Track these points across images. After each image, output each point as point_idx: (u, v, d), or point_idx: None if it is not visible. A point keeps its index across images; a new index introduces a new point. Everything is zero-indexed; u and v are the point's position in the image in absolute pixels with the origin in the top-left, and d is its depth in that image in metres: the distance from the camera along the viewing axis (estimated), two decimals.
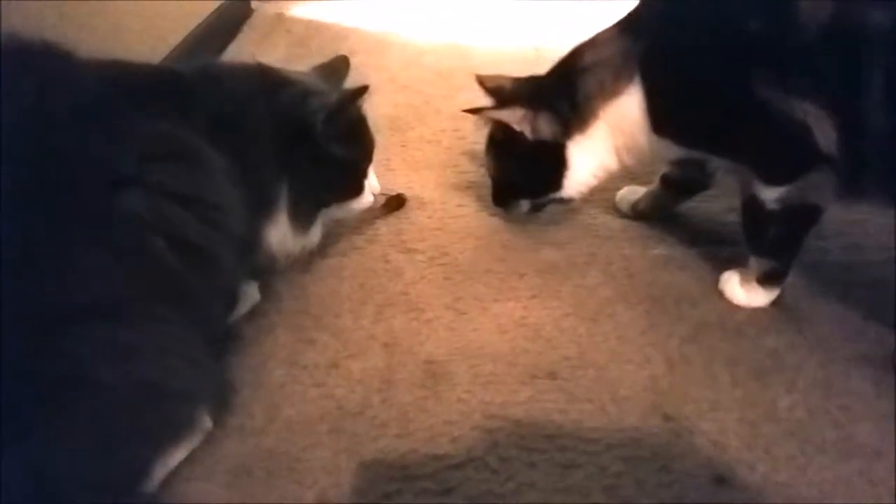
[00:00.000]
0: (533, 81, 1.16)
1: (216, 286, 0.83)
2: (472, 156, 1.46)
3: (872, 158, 0.85)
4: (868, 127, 0.82)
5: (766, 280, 1.03)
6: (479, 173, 1.39)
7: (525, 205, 1.21)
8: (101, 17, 1.39)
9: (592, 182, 1.15)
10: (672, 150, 1.06)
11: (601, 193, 1.31)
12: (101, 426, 0.70)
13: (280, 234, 0.99)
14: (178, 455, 0.81)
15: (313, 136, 0.98)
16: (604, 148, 1.10)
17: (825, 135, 0.87)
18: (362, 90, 1.02)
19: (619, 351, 0.97)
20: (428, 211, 1.30)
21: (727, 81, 0.93)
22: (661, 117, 1.02)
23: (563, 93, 1.09)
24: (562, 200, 1.18)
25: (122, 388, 0.70)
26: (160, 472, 0.79)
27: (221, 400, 0.88)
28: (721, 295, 1.06)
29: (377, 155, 1.46)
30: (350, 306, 1.07)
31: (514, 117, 1.12)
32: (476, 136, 1.51)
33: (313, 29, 2.16)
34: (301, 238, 1.02)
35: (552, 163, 1.12)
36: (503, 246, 1.21)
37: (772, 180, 0.95)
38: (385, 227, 1.25)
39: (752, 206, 0.99)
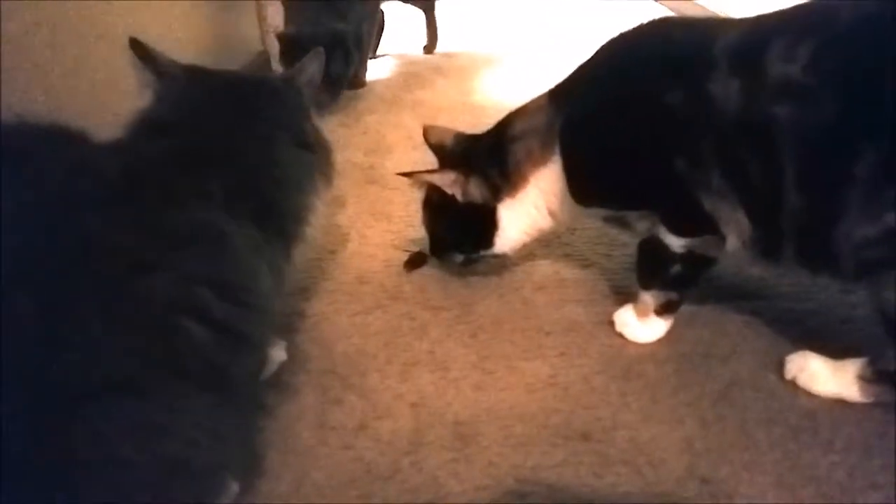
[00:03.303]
0: (470, 142, 1.22)
1: (246, 360, 0.83)
2: None
3: (789, 231, 0.90)
4: (783, 206, 0.87)
5: (665, 311, 1.08)
6: None
7: (459, 257, 1.25)
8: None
9: (524, 240, 1.19)
10: (598, 210, 1.12)
11: (622, 249, 1.32)
12: (120, 502, 0.69)
13: (319, 214, 1.03)
14: None
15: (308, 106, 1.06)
16: (534, 209, 1.15)
17: (735, 225, 0.94)
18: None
19: (652, 411, 0.96)
20: (450, 268, 1.30)
21: (645, 157, 0.98)
22: (576, 187, 1.08)
23: (495, 159, 1.14)
24: (494, 256, 1.22)
25: (146, 466, 0.69)
26: None
27: (248, 465, 0.87)
28: (750, 351, 1.05)
29: (398, 212, 1.49)
30: (376, 365, 1.06)
31: (446, 181, 1.17)
32: None
33: None
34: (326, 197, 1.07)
35: (483, 223, 1.17)
36: (526, 303, 1.21)
37: (678, 233, 1.01)
38: (408, 285, 1.26)
39: (654, 247, 1.04)
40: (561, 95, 1.10)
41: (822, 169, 0.84)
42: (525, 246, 1.22)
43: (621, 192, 1.05)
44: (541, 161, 1.10)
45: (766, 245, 0.94)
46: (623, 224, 1.12)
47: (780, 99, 0.85)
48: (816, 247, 0.89)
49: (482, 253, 1.21)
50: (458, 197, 1.16)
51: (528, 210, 1.15)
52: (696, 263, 1.04)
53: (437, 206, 1.20)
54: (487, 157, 1.16)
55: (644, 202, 1.04)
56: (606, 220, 1.14)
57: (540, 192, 1.13)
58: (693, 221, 0.98)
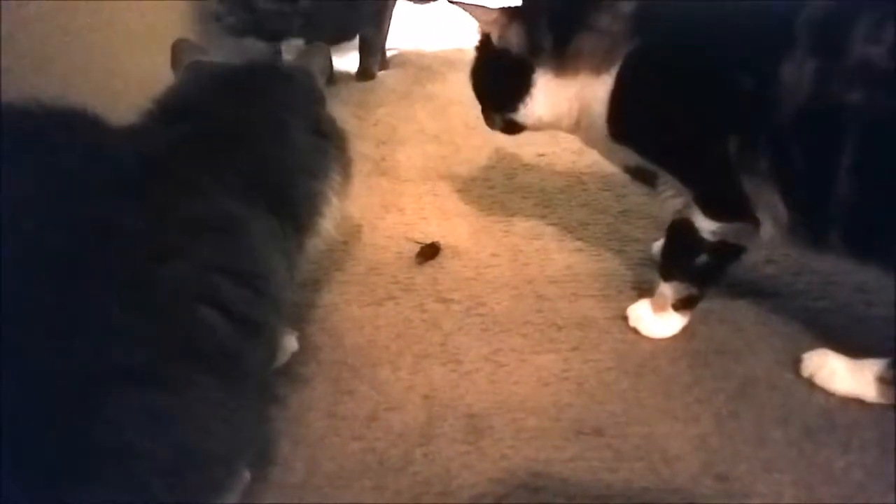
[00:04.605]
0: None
1: (260, 349, 0.82)
2: (503, 205, 1.46)
3: (838, 219, 0.86)
4: (834, 193, 0.84)
5: (682, 306, 1.06)
6: (511, 223, 1.40)
7: (498, 121, 1.14)
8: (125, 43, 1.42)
9: (548, 122, 1.08)
10: (622, 153, 1.05)
11: (636, 244, 1.31)
12: (136, 492, 0.68)
13: (334, 206, 1.01)
14: None
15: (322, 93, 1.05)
16: (566, 102, 1.05)
17: (772, 210, 0.91)
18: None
19: (666, 407, 0.95)
20: (462, 260, 1.29)
21: (697, 125, 0.94)
22: (617, 118, 0.99)
23: (561, 26, 1.02)
24: (521, 126, 1.12)
25: (159, 454, 0.68)
26: None
27: (260, 453, 0.87)
28: (765, 349, 1.04)
29: (410, 204, 1.49)
30: (388, 357, 1.06)
31: (485, 17, 1.06)
32: (508, 185, 1.54)
33: (340, 80, 2.20)
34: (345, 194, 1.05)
35: (516, 78, 1.05)
36: (539, 296, 1.19)
37: (712, 216, 0.98)
38: (420, 277, 1.25)
39: (684, 230, 1.01)
40: (644, 18, 0.98)
41: (887, 157, 0.80)
42: (546, 128, 1.12)
43: (660, 146, 0.99)
44: (594, 69, 1.00)
45: (807, 231, 0.91)
46: (643, 179, 1.08)
47: (856, 84, 0.80)
48: (869, 235, 0.86)
49: (508, 116, 1.11)
50: (494, 39, 1.07)
51: (561, 97, 1.04)
52: (725, 254, 1.02)
53: (479, 48, 1.12)
54: (555, 17, 1.03)
55: (679, 165, 0.99)
56: (628, 170, 1.09)
57: (580, 93, 1.03)
58: (728, 202, 0.95)
